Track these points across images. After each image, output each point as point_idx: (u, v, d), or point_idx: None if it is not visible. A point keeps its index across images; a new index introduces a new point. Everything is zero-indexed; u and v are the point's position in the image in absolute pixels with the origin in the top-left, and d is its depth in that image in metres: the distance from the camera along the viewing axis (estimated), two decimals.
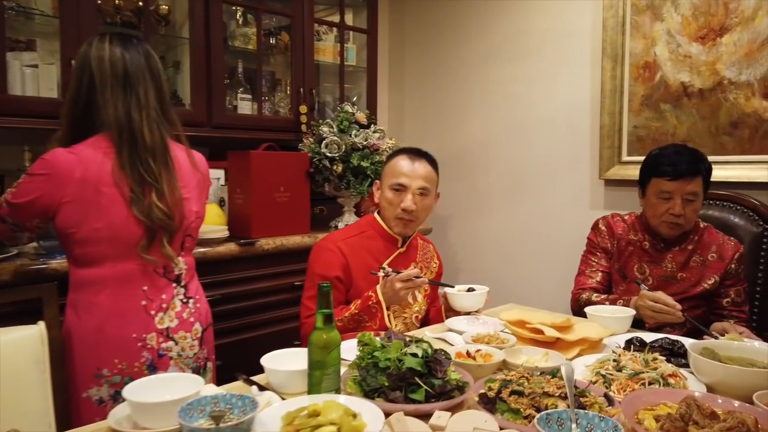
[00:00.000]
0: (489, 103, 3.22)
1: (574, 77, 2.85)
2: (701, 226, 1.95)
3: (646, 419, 1.05)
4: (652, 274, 1.93)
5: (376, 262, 1.80)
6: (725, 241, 1.93)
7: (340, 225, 2.80)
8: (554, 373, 1.16)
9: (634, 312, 1.69)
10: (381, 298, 1.68)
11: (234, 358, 2.02)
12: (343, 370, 1.20)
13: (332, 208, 3.00)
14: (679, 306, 1.64)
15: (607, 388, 1.21)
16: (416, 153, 1.86)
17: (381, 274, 1.71)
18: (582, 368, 1.35)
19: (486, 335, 1.53)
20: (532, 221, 3.07)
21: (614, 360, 1.28)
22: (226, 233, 2.37)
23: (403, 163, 1.83)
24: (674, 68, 2.50)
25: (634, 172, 2.63)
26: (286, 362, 1.25)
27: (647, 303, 1.68)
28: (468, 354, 1.37)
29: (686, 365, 1.32)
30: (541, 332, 1.49)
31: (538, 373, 1.19)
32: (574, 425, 0.96)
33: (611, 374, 1.24)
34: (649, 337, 1.56)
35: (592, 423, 0.97)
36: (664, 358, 1.30)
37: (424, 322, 1.95)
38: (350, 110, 2.78)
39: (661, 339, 1.52)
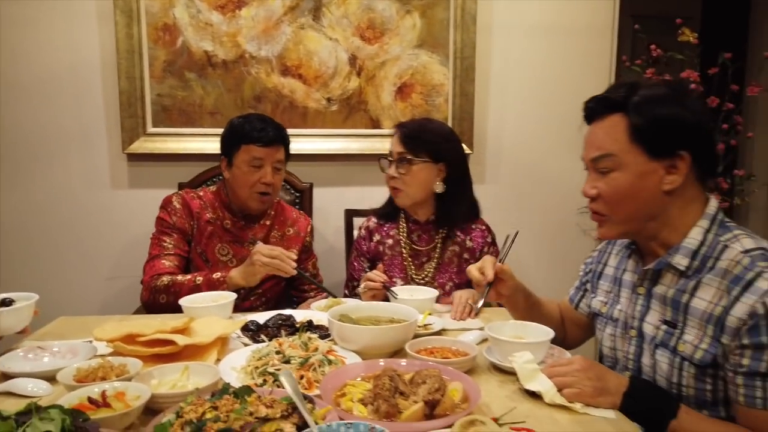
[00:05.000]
0: None
1: (79, 30, 2.34)
2: (275, 200, 1.94)
3: (354, 408, 0.95)
4: (237, 255, 1.82)
5: None
6: (298, 215, 1.99)
7: None
8: (241, 393, 0.90)
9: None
10: None
11: None
12: None
13: None
14: (294, 256, 1.63)
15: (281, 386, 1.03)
16: None
17: None
18: (229, 371, 1.12)
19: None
20: (45, 204, 2.41)
21: (277, 352, 1.11)
22: None
23: None
24: (196, 35, 2.38)
25: (162, 146, 2.43)
26: None
27: (263, 252, 1.60)
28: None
29: (325, 337, 1.29)
30: (167, 342, 1.15)
31: (208, 396, 0.90)
32: None
33: (280, 369, 1.07)
34: (259, 317, 1.46)
35: None
36: (316, 335, 1.22)
37: None
38: None
39: (273, 317, 1.44)
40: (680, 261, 1.12)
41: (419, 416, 0.92)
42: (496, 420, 0.92)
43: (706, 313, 1.06)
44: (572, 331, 1.49)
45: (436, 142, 1.80)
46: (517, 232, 1.43)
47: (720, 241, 1.10)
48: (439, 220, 1.85)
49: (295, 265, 1.62)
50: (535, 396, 1.07)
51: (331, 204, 2.52)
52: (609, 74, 2.64)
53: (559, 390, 1.05)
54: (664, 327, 1.15)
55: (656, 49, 2.52)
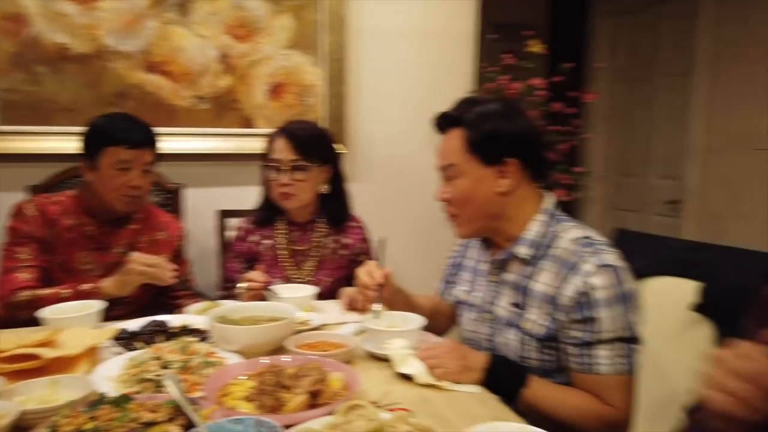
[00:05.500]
0: None
1: None
2: (144, 203, 1.86)
3: (239, 406, 0.98)
4: (101, 263, 1.72)
5: None
6: (169, 219, 1.92)
7: None
8: (119, 401, 0.89)
9: None
10: None
11: None
12: None
13: None
14: (172, 265, 1.59)
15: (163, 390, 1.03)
16: None
17: None
18: (103, 382, 1.09)
19: None
20: None
21: (154, 358, 1.10)
22: None
23: None
24: (49, 26, 2.21)
25: (9, 145, 2.22)
26: None
27: (140, 260, 1.54)
28: None
29: (203, 340, 1.29)
30: (30, 357, 1.09)
31: (84, 408, 0.89)
32: None
33: (160, 375, 1.06)
34: (131, 325, 1.41)
35: (227, 431, 0.82)
36: (195, 339, 1.21)
37: None
38: None
39: (147, 324, 1.41)
40: (522, 251, 1.28)
41: (303, 407, 0.97)
42: (374, 403, 1.00)
43: (544, 294, 1.23)
44: (442, 321, 1.62)
45: (325, 146, 1.86)
46: (384, 239, 1.52)
47: (554, 231, 1.28)
48: (322, 219, 1.91)
49: (173, 273, 1.58)
50: (408, 379, 1.17)
51: (203, 205, 2.46)
52: (470, 79, 2.85)
53: (430, 371, 1.16)
54: (512, 309, 1.31)
55: (510, 57, 2.78)
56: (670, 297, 1.56)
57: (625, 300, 1.17)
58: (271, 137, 1.87)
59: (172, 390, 0.87)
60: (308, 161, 1.80)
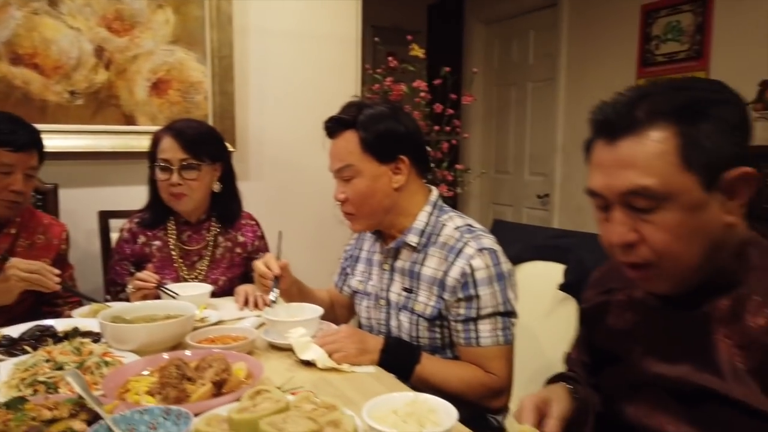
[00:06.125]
0: None
1: None
2: (24, 207, 1.73)
3: (142, 399, 0.98)
4: None
5: None
6: (51, 221, 1.80)
7: None
8: (13, 404, 0.86)
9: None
10: None
11: None
12: None
13: None
14: (56, 270, 1.49)
15: (56, 392, 1.00)
16: None
17: None
18: None
19: None
20: None
21: (46, 360, 1.06)
22: None
23: None
24: None
25: None
26: None
27: (20, 267, 1.44)
28: None
29: (96, 342, 1.25)
30: None
31: None
32: None
33: (54, 377, 1.03)
34: (12, 331, 1.34)
35: (135, 421, 0.83)
36: (89, 340, 1.18)
37: None
38: None
39: (31, 328, 1.34)
40: (412, 239, 1.39)
41: (208, 397, 0.99)
42: (279, 388, 1.04)
43: (432, 278, 1.35)
44: (340, 312, 1.69)
45: (215, 144, 1.85)
46: (280, 233, 1.56)
47: (440, 221, 1.40)
48: (215, 218, 1.90)
49: (58, 280, 1.50)
50: (309, 364, 1.22)
51: (81, 206, 2.33)
52: (356, 80, 2.94)
53: (330, 356, 1.22)
54: (404, 294, 1.41)
55: (393, 60, 2.91)
56: (541, 279, 1.75)
57: (502, 279, 1.31)
58: (156, 136, 1.81)
59: (74, 384, 0.86)
60: (199, 160, 1.78)
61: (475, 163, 4.41)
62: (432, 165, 3.02)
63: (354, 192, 1.38)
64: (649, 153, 0.72)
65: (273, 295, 1.43)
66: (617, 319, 0.93)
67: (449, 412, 0.88)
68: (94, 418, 0.84)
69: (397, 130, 1.38)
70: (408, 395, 0.94)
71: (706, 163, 0.72)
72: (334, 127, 1.41)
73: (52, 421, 0.80)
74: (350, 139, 1.37)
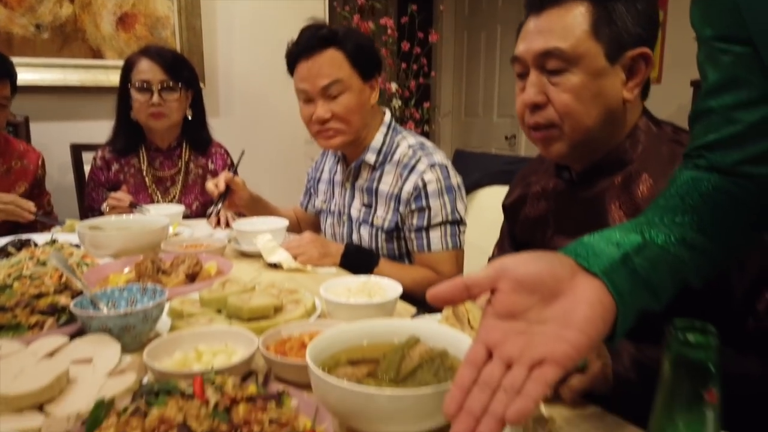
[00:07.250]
0: None
1: None
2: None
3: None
4: None
5: None
6: (27, 147, 1.85)
7: None
8: (2, 287, 0.95)
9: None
10: None
11: None
12: None
13: None
14: (31, 203, 1.55)
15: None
16: None
17: None
18: None
19: None
20: None
21: (30, 258, 1.15)
22: None
23: None
24: None
25: None
26: None
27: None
28: None
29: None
30: None
31: None
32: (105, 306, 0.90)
33: (38, 271, 1.12)
34: None
35: (115, 297, 0.93)
36: (69, 244, 1.26)
37: None
38: None
39: (11, 240, 1.42)
40: (370, 158, 1.49)
41: (182, 285, 1.10)
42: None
43: (389, 193, 1.46)
44: (306, 229, 1.79)
45: (190, 70, 1.90)
46: (243, 151, 1.64)
47: (395, 140, 1.50)
48: (186, 145, 1.96)
49: (33, 210, 1.57)
50: (276, 267, 1.33)
51: (53, 139, 2.37)
52: (324, 18, 2.96)
53: (294, 259, 1.33)
54: (363, 209, 1.52)
55: None
56: (497, 201, 1.87)
57: (451, 191, 1.42)
58: (131, 59, 1.85)
59: (57, 262, 0.95)
60: (175, 81, 1.84)
61: (444, 105, 4.49)
62: (400, 103, 3.10)
63: (342, 107, 1.42)
64: (567, 22, 0.84)
65: (214, 209, 1.52)
66: (532, 208, 1.05)
67: (395, 287, 1.00)
68: (78, 294, 0.94)
69: (373, 47, 1.48)
70: (361, 277, 1.06)
71: (613, 37, 0.83)
72: (315, 44, 1.40)
73: (39, 296, 0.90)
74: (335, 56, 1.41)
